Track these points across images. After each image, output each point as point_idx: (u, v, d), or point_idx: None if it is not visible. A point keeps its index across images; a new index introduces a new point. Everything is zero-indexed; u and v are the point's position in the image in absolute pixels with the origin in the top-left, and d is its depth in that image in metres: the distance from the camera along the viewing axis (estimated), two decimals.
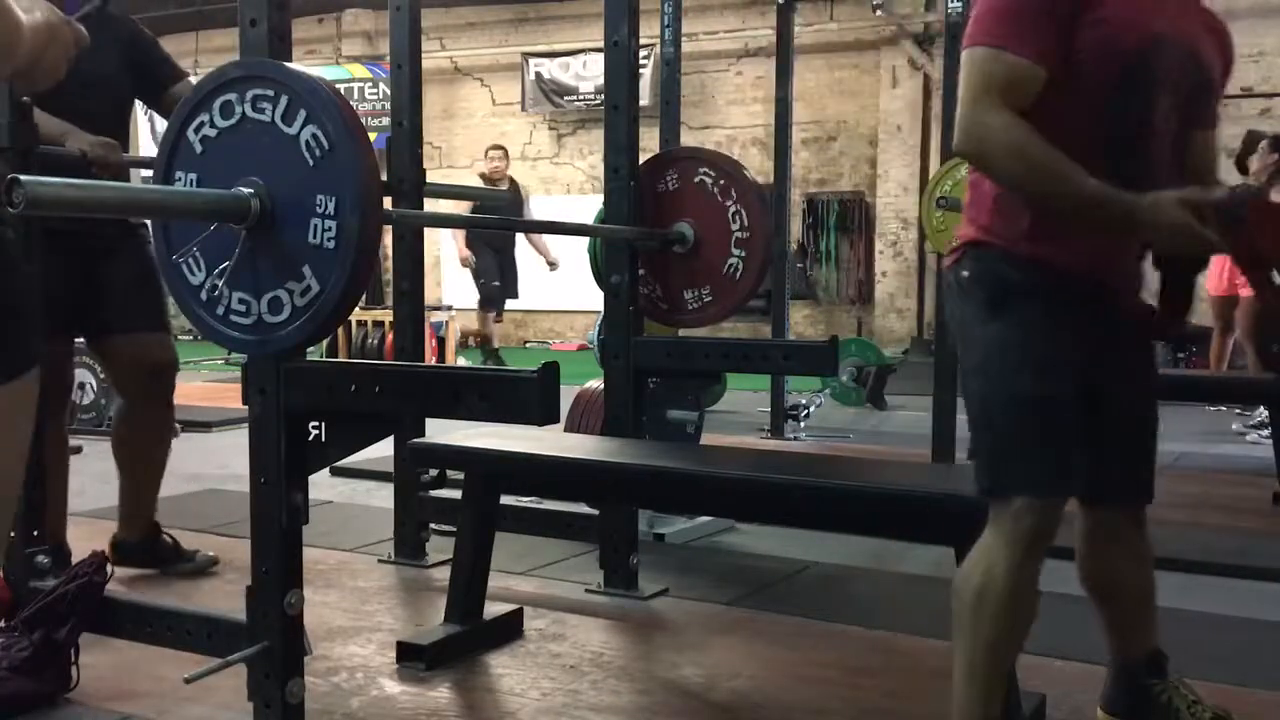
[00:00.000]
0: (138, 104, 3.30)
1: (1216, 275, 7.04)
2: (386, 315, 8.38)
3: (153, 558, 3.24)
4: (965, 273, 1.88)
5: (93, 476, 3.74)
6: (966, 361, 1.89)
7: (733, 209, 3.31)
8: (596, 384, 3.95)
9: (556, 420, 1.87)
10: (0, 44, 1.16)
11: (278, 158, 1.86)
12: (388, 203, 3.06)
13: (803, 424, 6.15)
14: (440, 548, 3.30)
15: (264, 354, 1.97)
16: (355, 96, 13.99)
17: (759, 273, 3.34)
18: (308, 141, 1.83)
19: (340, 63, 14.55)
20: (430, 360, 7.07)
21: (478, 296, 8.93)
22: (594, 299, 3.57)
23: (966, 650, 1.80)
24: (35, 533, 2.57)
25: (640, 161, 3.24)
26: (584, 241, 4.29)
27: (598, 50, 3.42)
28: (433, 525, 3.49)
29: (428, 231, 4.12)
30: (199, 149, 1.95)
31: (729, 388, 7.12)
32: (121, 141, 3.01)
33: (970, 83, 1.73)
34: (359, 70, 14.37)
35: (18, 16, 1.17)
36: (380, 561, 3.45)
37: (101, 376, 5.73)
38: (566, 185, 14.08)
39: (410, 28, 3.35)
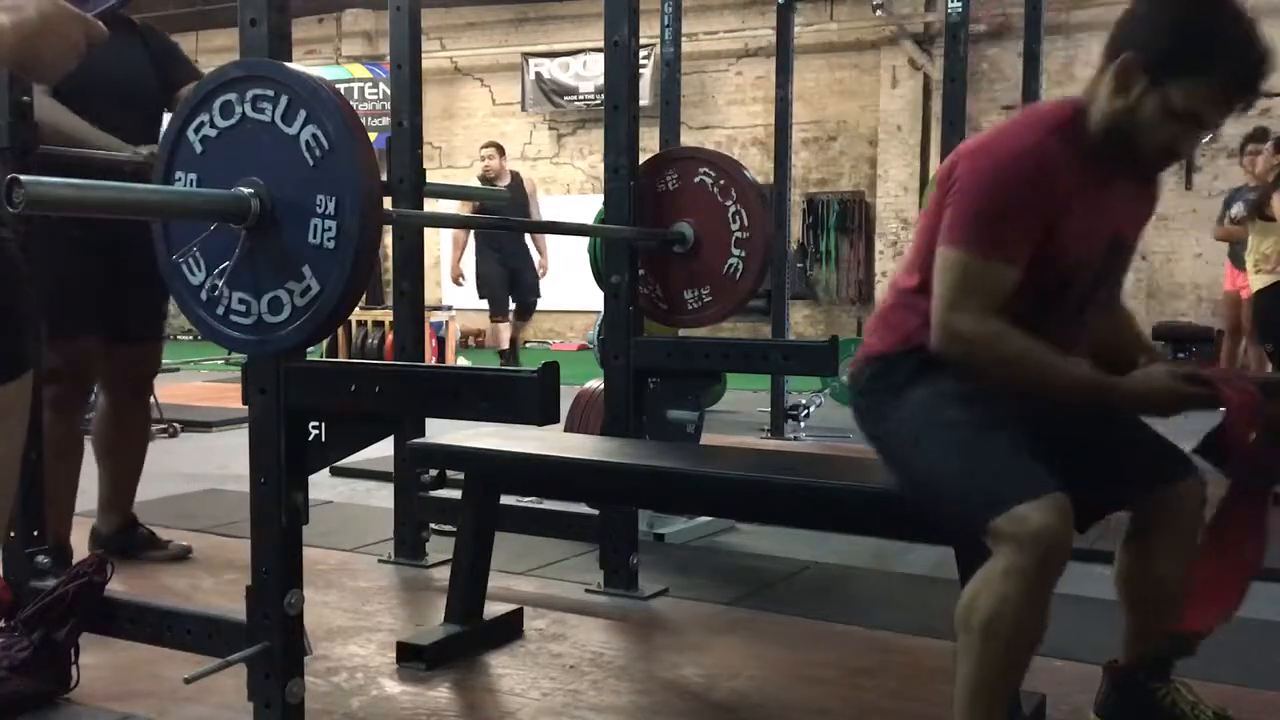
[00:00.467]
0: None
1: (1227, 276, 7.05)
2: (386, 315, 8.38)
3: (129, 547, 3.34)
4: (867, 379, 1.98)
5: (94, 477, 3.72)
6: (896, 449, 1.92)
7: (733, 209, 3.31)
8: (596, 384, 3.95)
9: (556, 420, 1.87)
10: None
11: (278, 158, 1.85)
12: (388, 203, 3.06)
13: (803, 424, 6.15)
14: (440, 548, 3.30)
15: (264, 354, 1.97)
16: (355, 96, 13.99)
17: (759, 273, 3.34)
18: (308, 141, 1.83)
19: (340, 63, 14.55)
20: (430, 360, 7.08)
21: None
22: (594, 299, 3.57)
23: (972, 671, 1.75)
24: (35, 533, 2.57)
25: (640, 161, 3.24)
26: (584, 241, 4.29)
27: (598, 50, 3.42)
28: (433, 525, 3.49)
29: (428, 231, 4.12)
30: (199, 149, 1.94)
31: (729, 388, 7.11)
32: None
33: (952, 284, 1.82)
34: (359, 70, 14.37)
35: None
36: (380, 561, 3.45)
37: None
38: (566, 185, 14.08)
39: (410, 28, 3.35)
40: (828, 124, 12.79)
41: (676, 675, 2.53)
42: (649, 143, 3.40)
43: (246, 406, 2.02)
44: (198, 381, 8.94)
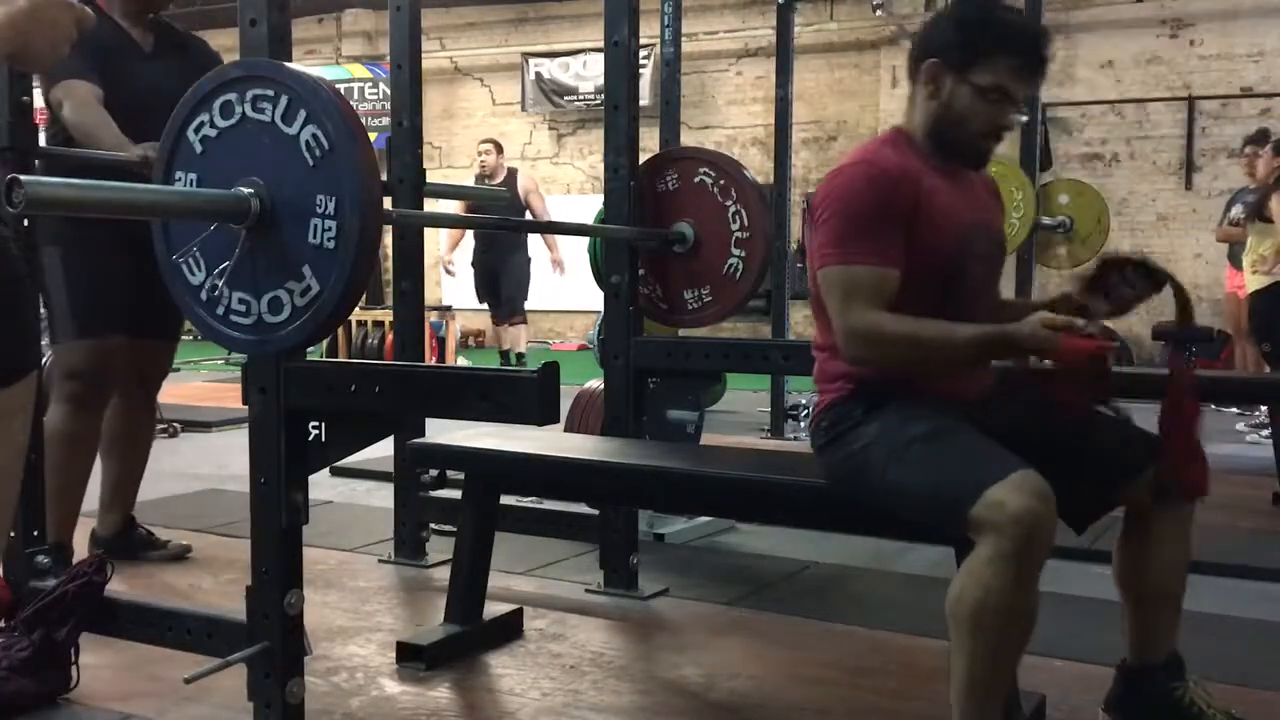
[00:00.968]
0: None
1: (1228, 278, 7.04)
2: (386, 315, 8.36)
3: (128, 548, 3.34)
4: (825, 429, 2.05)
5: (94, 478, 3.72)
6: (871, 479, 1.96)
7: (733, 209, 3.31)
8: (596, 384, 3.95)
9: (556, 420, 1.87)
10: None
11: (278, 158, 1.86)
12: (388, 203, 3.06)
13: (803, 424, 6.14)
14: (440, 548, 3.30)
15: (264, 354, 1.97)
16: (355, 96, 13.98)
17: (759, 273, 3.34)
18: (308, 141, 1.83)
19: (340, 63, 14.55)
20: (430, 360, 7.07)
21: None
22: (594, 299, 3.57)
23: (964, 663, 1.77)
24: (35, 533, 2.57)
25: (640, 161, 3.24)
26: (584, 241, 4.29)
27: (598, 50, 3.42)
28: (433, 525, 3.49)
29: (428, 231, 4.12)
30: (199, 149, 1.95)
31: (729, 388, 7.11)
32: None
33: (838, 296, 1.94)
34: (359, 70, 14.36)
35: None
36: (380, 561, 3.45)
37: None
38: (566, 185, 14.07)
39: (410, 28, 3.35)
40: (828, 124, 12.79)
41: (676, 675, 2.53)
42: (649, 143, 3.40)
43: (246, 406, 2.02)
44: (198, 381, 8.94)
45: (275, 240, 1.88)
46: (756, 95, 12.90)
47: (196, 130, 1.94)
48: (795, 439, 5.96)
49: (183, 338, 3.49)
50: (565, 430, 4.05)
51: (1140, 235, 11.05)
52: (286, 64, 1.92)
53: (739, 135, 13.13)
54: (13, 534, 2.42)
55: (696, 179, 3.34)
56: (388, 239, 3.32)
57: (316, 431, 2.02)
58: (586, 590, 3.13)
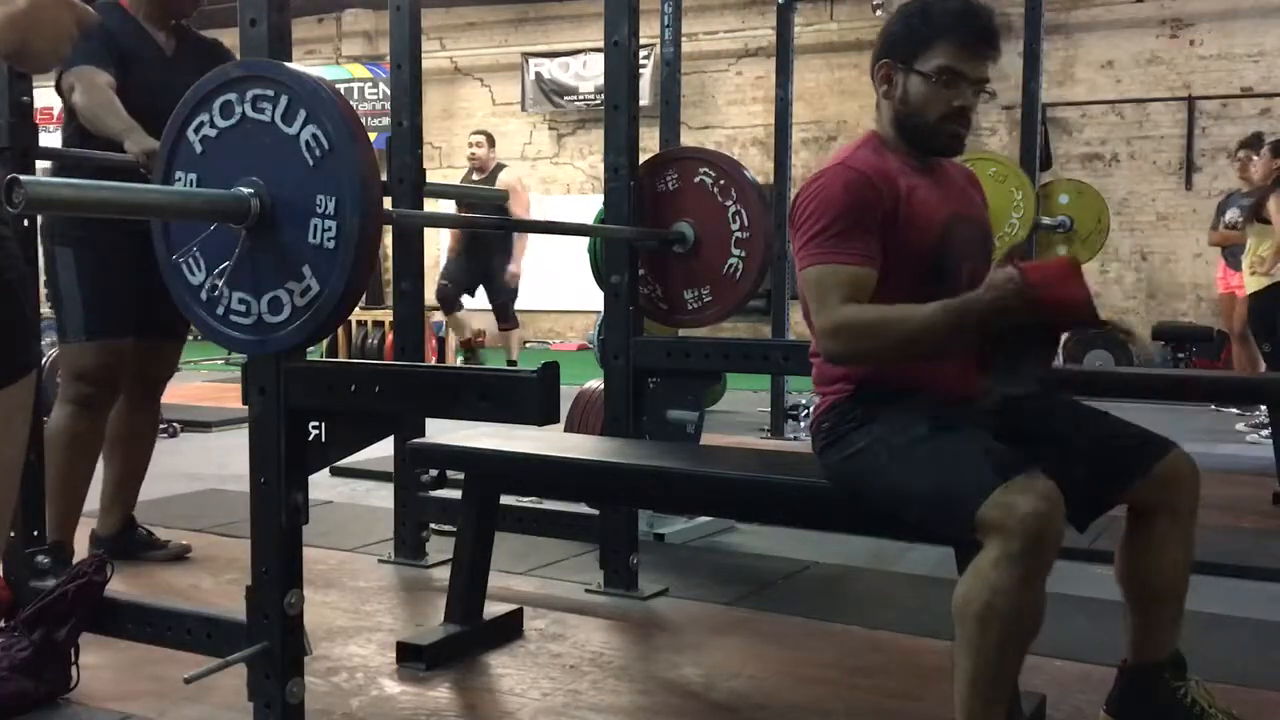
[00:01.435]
0: None
1: (1220, 279, 7.04)
2: (386, 315, 8.35)
3: (128, 548, 3.35)
4: (825, 432, 2.06)
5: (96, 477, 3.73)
6: (872, 480, 1.96)
7: (733, 209, 3.31)
8: (596, 384, 3.95)
9: (556, 420, 1.87)
10: None
11: (278, 158, 1.86)
12: (388, 203, 3.06)
13: (803, 424, 6.14)
14: (440, 548, 3.30)
15: (264, 354, 1.97)
16: (355, 96, 13.97)
17: (759, 273, 3.34)
18: (308, 141, 1.83)
19: (340, 63, 14.54)
20: (430, 360, 7.07)
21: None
22: (594, 299, 3.57)
23: (970, 663, 1.76)
24: (35, 533, 2.57)
25: (640, 161, 3.24)
26: (584, 241, 4.29)
27: (598, 50, 3.42)
28: (433, 525, 3.49)
29: (428, 231, 4.12)
30: (199, 149, 1.95)
31: (729, 388, 7.11)
32: None
33: (815, 295, 1.96)
34: (359, 70, 14.36)
35: None
36: (380, 561, 3.45)
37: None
38: (566, 185, 14.07)
39: (410, 28, 3.35)
40: (828, 124, 12.78)
41: (676, 675, 2.53)
42: (649, 143, 3.40)
43: (246, 406, 2.02)
44: (198, 381, 8.94)
45: (275, 240, 1.88)
46: (756, 95, 12.89)
47: (196, 130, 1.95)
48: (795, 439, 5.96)
49: (185, 337, 3.49)
50: (565, 430, 4.05)
51: (1140, 235, 11.06)
52: (286, 64, 1.92)
53: (739, 135, 13.12)
54: (12, 534, 2.42)
55: (696, 179, 3.34)
56: (388, 239, 3.32)
57: (316, 431, 2.02)
58: (586, 590, 3.13)
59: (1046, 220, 6.53)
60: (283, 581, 2.00)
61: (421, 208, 3.44)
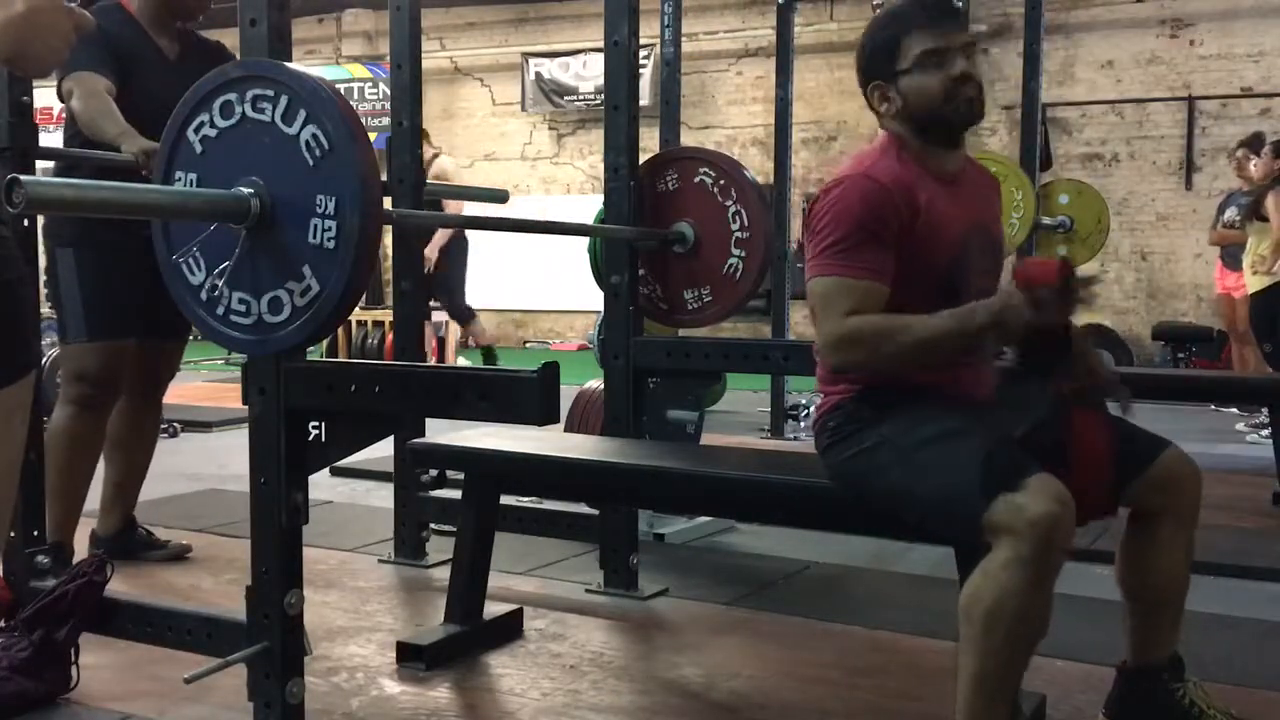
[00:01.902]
0: None
1: (1218, 279, 7.04)
2: (386, 315, 8.34)
3: (128, 548, 3.34)
4: (831, 431, 2.05)
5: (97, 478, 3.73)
6: (878, 477, 1.96)
7: (733, 209, 3.31)
8: (596, 384, 3.95)
9: (556, 420, 1.87)
10: None
11: (278, 158, 1.86)
12: (388, 203, 3.06)
13: (803, 424, 6.14)
14: (440, 548, 3.29)
15: (264, 354, 1.97)
16: (355, 96, 13.97)
17: (759, 273, 3.34)
18: (308, 141, 1.83)
19: (340, 63, 14.54)
20: (430, 360, 7.06)
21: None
22: (594, 299, 3.57)
23: (974, 663, 1.75)
24: (35, 533, 2.57)
25: (640, 161, 3.24)
26: (584, 241, 4.29)
27: (598, 50, 3.42)
28: (433, 525, 3.49)
29: None
30: (199, 149, 1.95)
31: (729, 388, 7.11)
32: None
33: (822, 306, 1.96)
34: (359, 70, 14.36)
35: None
36: (380, 561, 3.44)
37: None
38: (566, 185, 14.07)
39: (410, 28, 3.35)
40: (828, 124, 12.78)
41: (676, 675, 2.53)
42: (649, 143, 3.40)
43: (246, 406, 2.02)
44: (198, 381, 8.94)
45: (275, 240, 1.88)
46: (756, 95, 12.89)
47: (196, 130, 1.95)
48: (795, 439, 5.96)
49: (187, 337, 3.49)
50: (565, 430, 4.05)
51: (1140, 235, 11.06)
52: (286, 64, 1.92)
53: (739, 135, 13.12)
54: (12, 534, 2.43)
55: (696, 179, 3.34)
56: (388, 239, 3.32)
57: (316, 431, 2.02)
58: (586, 590, 3.13)
59: (1046, 220, 6.53)
60: (283, 581, 2.00)
61: (421, 208, 3.44)
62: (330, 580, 3.23)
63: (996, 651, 1.73)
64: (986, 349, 2.00)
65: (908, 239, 1.97)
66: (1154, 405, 5.70)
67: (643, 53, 4.50)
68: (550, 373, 1.82)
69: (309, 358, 2.03)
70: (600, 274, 3.41)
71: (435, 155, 7.83)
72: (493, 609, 2.74)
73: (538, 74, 13.87)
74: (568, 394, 2.42)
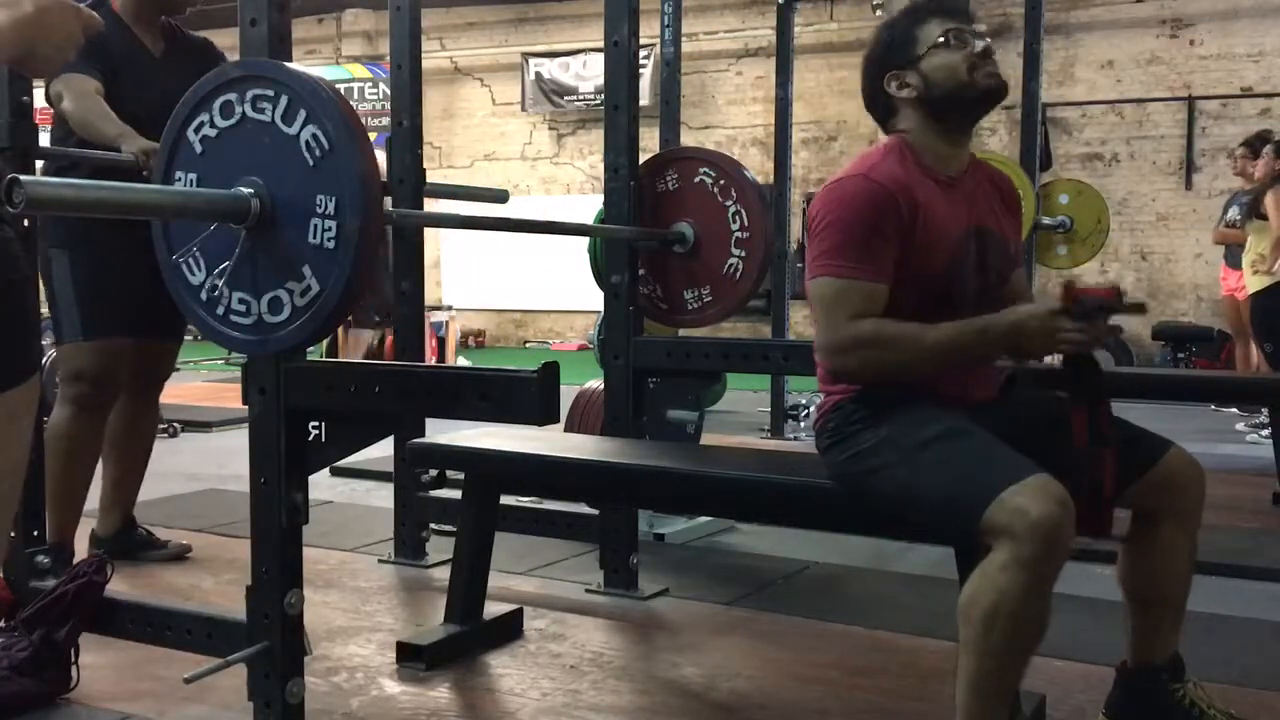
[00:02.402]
0: None
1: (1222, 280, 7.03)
2: None
3: (128, 548, 3.35)
4: (832, 430, 2.05)
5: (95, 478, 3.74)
6: (880, 477, 1.95)
7: (733, 209, 3.31)
8: (596, 384, 3.94)
9: (556, 420, 1.87)
10: None
11: (278, 158, 1.85)
12: (388, 203, 3.06)
13: (803, 424, 6.15)
14: (440, 548, 3.30)
15: (264, 354, 1.97)
16: (355, 96, 13.98)
17: (759, 273, 3.34)
18: (308, 141, 1.83)
19: (340, 63, 14.55)
20: (430, 360, 7.07)
21: None
22: (594, 299, 3.57)
23: (973, 664, 1.75)
24: (35, 533, 2.57)
25: (640, 161, 3.24)
26: (584, 241, 4.29)
27: (598, 50, 3.42)
28: (433, 525, 3.49)
29: (428, 231, 4.12)
30: (199, 149, 1.95)
31: (729, 388, 7.11)
32: None
33: (825, 309, 1.95)
34: (359, 70, 14.37)
35: None
36: (380, 561, 3.45)
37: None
38: (566, 185, 14.08)
39: (410, 28, 3.35)
40: (828, 124, 12.78)
41: (676, 675, 2.53)
42: (649, 143, 3.39)
43: (246, 406, 2.02)
44: (198, 381, 8.94)
45: (275, 240, 1.88)
46: (756, 95, 12.90)
47: (196, 130, 1.94)
48: (795, 439, 5.96)
49: (183, 337, 3.49)
50: (565, 430, 4.05)
51: (1140, 235, 11.06)
52: (286, 64, 1.92)
53: (739, 135, 13.13)
54: (13, 534, 2.43)
55: (696, 179, 3.34)
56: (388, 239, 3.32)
57: (316, 431, 2.02)
58: (586, 590, 3.13)
59: (1046, 220, 6.53)
60: (283, 581, 2.00)
61: (421, 208, 3.44)
62: (330, 580, 3.23)
63: (996, 653, 1.73)
64: (993, 361, 2.00)
65: (906, 240, 1.97)
66: (1154, 405, 5.71)
67: (643, 53, 4.50)
68: (550, 373, 1.82)
69: (309, 358, 2.03)
70: (600, 274, 3.41)
71: None
72: (493, 609, 2.74)
73: (538, 74, 13.87)
74: (568, 394, 2.42)
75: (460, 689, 2.43)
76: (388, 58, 3.48)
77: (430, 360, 7.03)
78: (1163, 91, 10.90)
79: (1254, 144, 6.37)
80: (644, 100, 5.74)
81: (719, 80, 13.23)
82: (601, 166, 3.24)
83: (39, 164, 2.81)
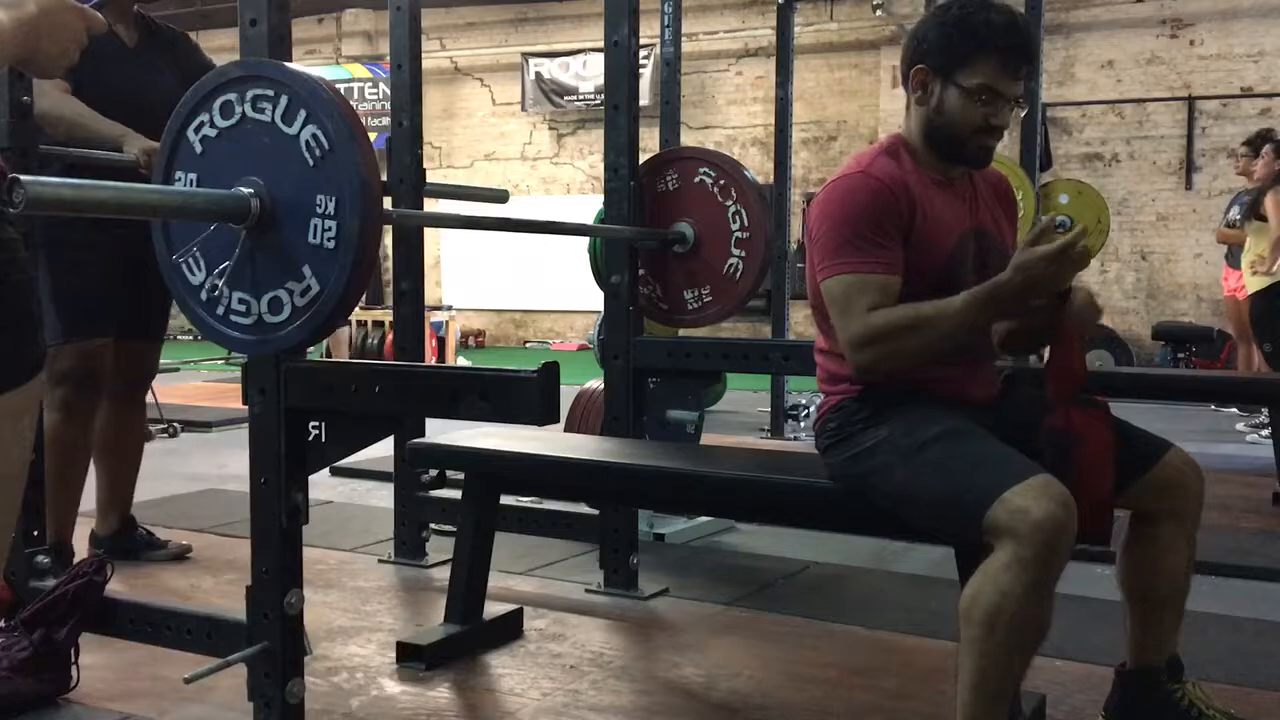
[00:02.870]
0: None
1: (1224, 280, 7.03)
2: (386, 315, 8.35)
3: (128, 548, 3.34)
4: (833, 424, 2.05)
5: (92, 479, 3.74)
6: (879, 483, 1.95)
7: (733, 209, 3.31)
8: (596, 384, 3.95)
9: (556, 420, 1.86)
10: None
11: (278, 158, 1.85)
12: (388, 203, 3.06)
13: (803, 424, 6.15)
14: (440, 548, 3.30)
15: (264, 354, 1.97)
16: (355, 96, 13.99)
17: (759, 273, 3.34)
18: (308, 141, 1.83)
19: (340, 63, 14.55)
20: (430, 360, 7.07)
21: None
22: (594, 299, 3.57)
23: (974, 665, 1.74)
24: (35, 533, 2.57)
25: (640, 161, 3.24)
26: (584, 241, 4.29)
27: (598, 50, 3.42)
28: (433, 525, 3.49)
29: (428, 231, 4.13)
30: (199, 149, 1.95)
31: (729, 388, 7.11)
32: None
33: (840, 307, 1.96)
34: (359, 70, 14.37)
35: None
36: (380, 561, 3.45)
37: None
38: (566, 185, 14.08)
39: (410, 28, 3.35)
40: (828, 124, 12.79)
41: (676, 675, 2.53)
42: (649, 143, 3.39)
43: (246, 406, 2.02)
44: (198, 381, 8.94)
45: (275, 240, 1.88)
46: (756, 95, 12.90)
47: (196, 130, 1.94)
48: (795, 439, 5.96)
49: (182, 338, 3.49)
50: (565, 430, 4.05)
51: (1140, 235, 11.06)
52: (286, 64, 1.92)
53: (739, 135, 13.13)
54: (13, 534, 2.42)
55: (696, 179, 3.34)
56: (388, 239, 3.32)
57: (316, 431, 2.02)
58: (586, 590, 3.13)
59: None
60: (283, 581, 2.00)
61: (421, 208, 3.44)
62: (330, 580, 3.23)
63: (996, 653, 1.73)
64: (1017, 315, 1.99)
65: (906, 237, 1.97)
66: (1154, 405, 5.71)
67: (643, 53, 4.51)
68: (550, 373, 1.81)
69: (309, 358, 2.03)
70: (600, 274, 3.41)
71: None
72: (493, 609, 2.74)
73: (538, 74, 13.88)
74: (568, 394, 2.42)
75: (460, 689, 2.43)
76: (388, 58, 3.48)
77: (430, 360, 7.04)
78: (1163, 91, 10.90)
79: (1256, 143, 6.38)
80: (644, 100, 5.74)
81: (719, 80, 13.23)
82: (601, 166, 3.24)
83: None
